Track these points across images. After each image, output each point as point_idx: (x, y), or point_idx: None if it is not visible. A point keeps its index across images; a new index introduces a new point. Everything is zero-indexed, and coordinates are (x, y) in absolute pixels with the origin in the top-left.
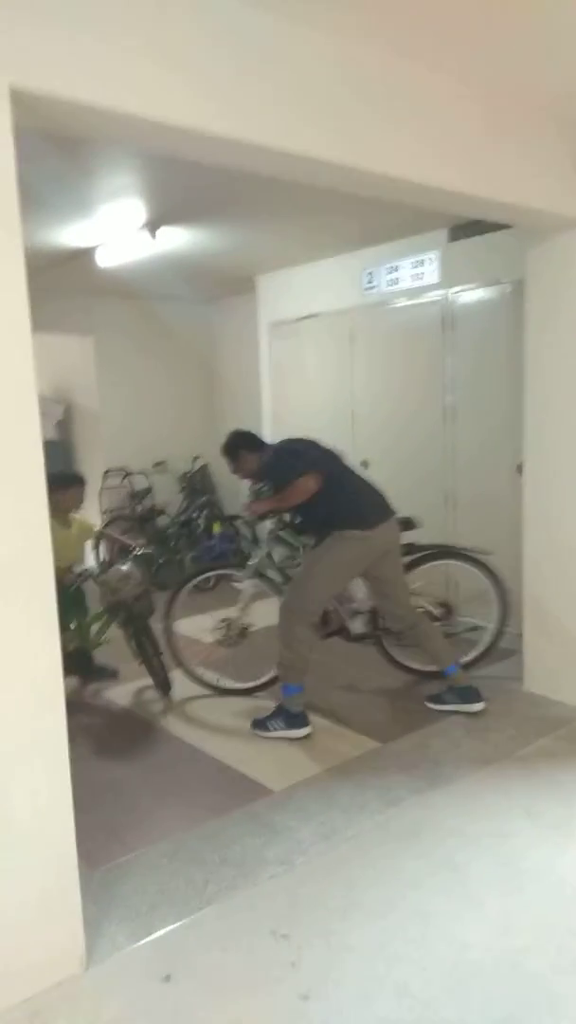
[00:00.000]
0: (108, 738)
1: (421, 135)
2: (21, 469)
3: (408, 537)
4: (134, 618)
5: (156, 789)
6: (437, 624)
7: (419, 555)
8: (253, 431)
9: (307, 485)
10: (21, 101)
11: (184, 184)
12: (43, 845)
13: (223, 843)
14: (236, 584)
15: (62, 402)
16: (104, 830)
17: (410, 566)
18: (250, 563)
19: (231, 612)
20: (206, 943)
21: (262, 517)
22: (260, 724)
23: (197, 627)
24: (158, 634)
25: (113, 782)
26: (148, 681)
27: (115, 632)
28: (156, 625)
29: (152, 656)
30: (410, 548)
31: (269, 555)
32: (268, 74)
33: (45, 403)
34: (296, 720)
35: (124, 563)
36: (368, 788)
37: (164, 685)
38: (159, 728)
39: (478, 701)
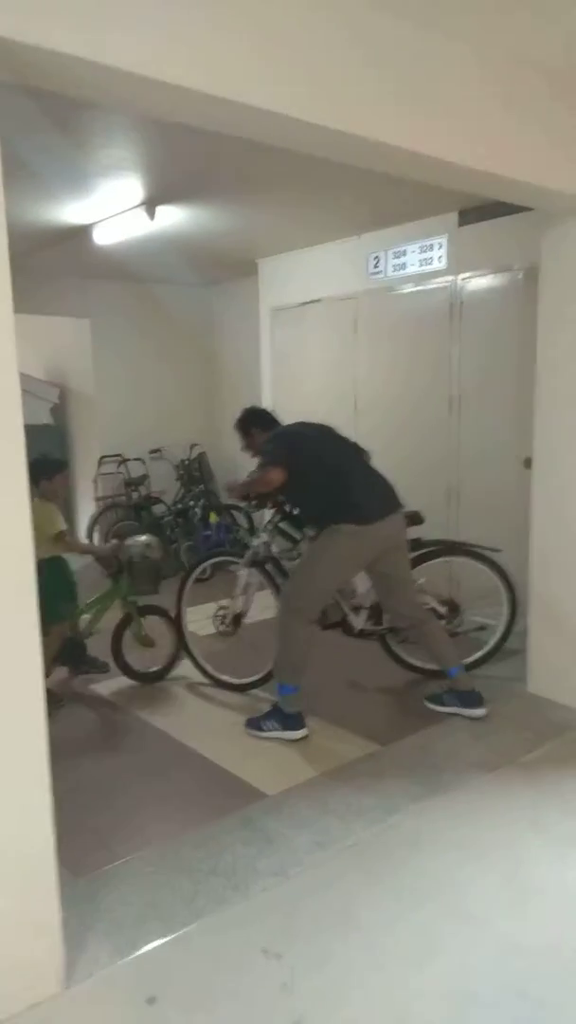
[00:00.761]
0: (96, 734)
1: (432, 106)
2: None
3: (414, 532)
4: (136, 595)
5: (144, 790)
6: (442, 623)
7: (425, 551)
8: (268, 409)
9: (268, 476)
10: None
11: (184, 161)
12: (20, 855)
13: (214, 851)
14: (233, 569)
15: (57, 386)
16: (89, 834)
17: (416, 562)
18: (248, 551)
19: (227, 600)
20: (194, 962)
21: (244, 499)
22: (254, 724)
23: (196, 617)
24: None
25: (100, 781)
26: (150, 668)
27: (104, 624)
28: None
29: (151, 640)
30: (416, 543)
31: (267, 545)
32: (273, 38)
33: (39, 387)
34: (292, 721)
35: (140, 535)
36: (366, 794)
37: (148, 677)
38: (150, 727)
39: (479, 707)
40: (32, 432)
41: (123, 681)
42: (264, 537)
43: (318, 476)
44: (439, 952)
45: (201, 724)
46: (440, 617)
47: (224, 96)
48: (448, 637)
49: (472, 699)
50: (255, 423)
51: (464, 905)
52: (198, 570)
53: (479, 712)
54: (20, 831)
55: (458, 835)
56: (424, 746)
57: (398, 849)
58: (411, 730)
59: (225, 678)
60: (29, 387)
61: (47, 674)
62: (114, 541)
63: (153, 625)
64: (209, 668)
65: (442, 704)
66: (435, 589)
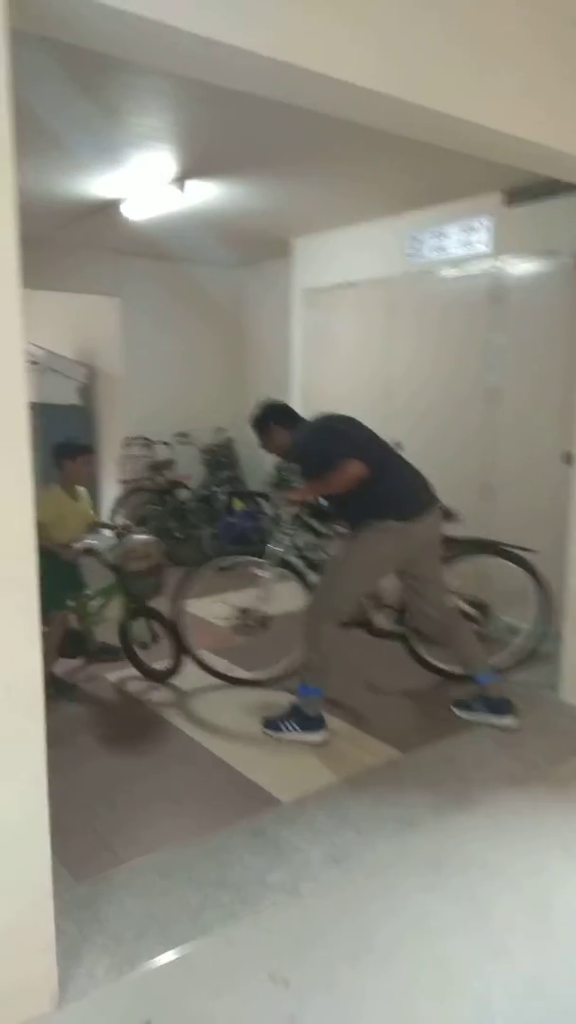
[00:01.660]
0: (106, 729)
1: (486, 73)
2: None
3: (445, 530)
4: (135, 597)
5: (154, 791)
6: (471, 624)
7: (456, 549)
8: (288, 404)
9: (353, 471)
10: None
11: (217, 131)
12: (14, 867)
13: (223, 861)
14: (258, 572)
15: (86, 365)
16: (93, 835)
17: (445, 560)
18: (273, 550)
19: (250, 600)
20: (195, 983)
21: (302, 505)
22: (272, 724)
23: (213, 610)
24: (167, 614)
25: (108, 779)
26: (156, 665)
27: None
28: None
29: (148, 643)
30: (447, 541)
31: (292, 540)
32: None
33: (68, 366)
34: (312, 724)
35: (140, 534)
36: (386, 805)
37: (156, 675)
38: (163, 721)
39: (510, 715)
40: (59, 412)
41: (137, 672)
42: (289, 533)
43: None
44: (457, 985)
45: (217, 721)
46: (469, 619)
47: (272, 56)
48: (477, 641)
49: (502, 707)
50: (275, 419)
51: (486, 933)
52: (203, 568)
53: (510, 721)
54: (13, 837)
55: (483, 855)
56: (449, 755)
57: (418, 867)
58: (435, 737)
59: (240, 673)
60: (58, 366)
61: (49, 664)
62: (88, 542)
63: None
64: (218, 666)
65: (470, 711)
66: (465, 589)
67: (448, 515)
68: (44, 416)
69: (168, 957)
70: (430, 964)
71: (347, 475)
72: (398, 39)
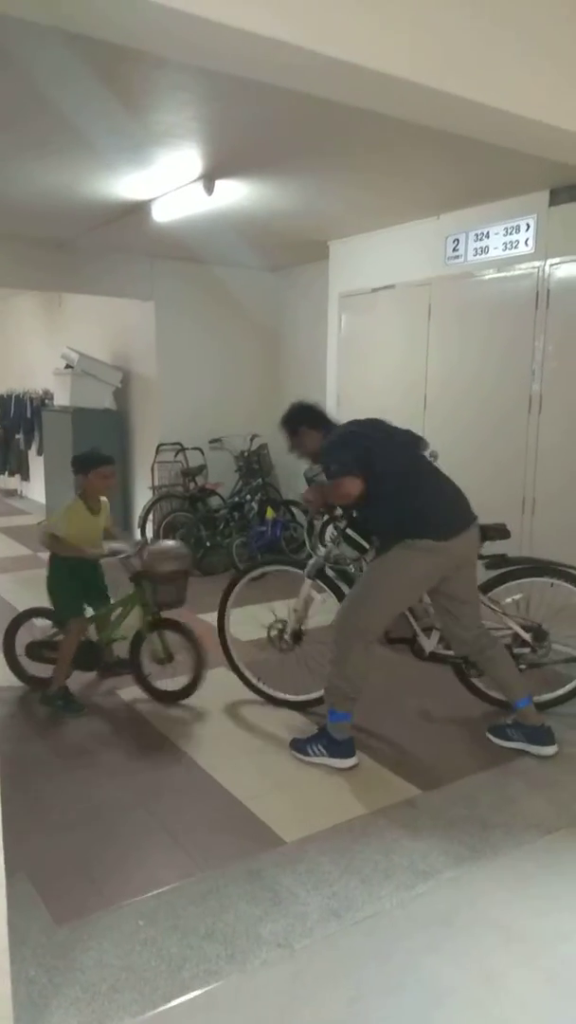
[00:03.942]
0: (113, 750)
1: (529, 61)
2: None
3: (500, 548)
4: (154, 607)
5: (153, 823)
6: (525, 651)
7: (510, 569)
8: (319, 405)
9: (345, 488)
10: None
11: (244, 128)
12: None
13: (213, 908)
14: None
15: (120, 370)
16: (81, 871)
17: (499, 580)
18: (312, 560)
19: (285, 612)
20: None
21: (320, 510)
22: (299, 746)
23: (236, 619)
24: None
25: (106, 806)
26: (172, 682)
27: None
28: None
29: (163, 658)
30: (501, 560)
31: (332, 553)
32: None
33: (104, 370)
34: (341, 748)
35: (169, 539)
36: (397, 852)
37: (164, 696)
38: (173, 745)
39: (549, 744)
40: (93, 416)
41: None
42: (330, 546)
43: (388, 484)
44: None
45: (227, 747)
46: (524, 645)
47: (300, 45)
48: (515, 665)
49: (541, 735)
50: (304, 421)
51: (497, 1012)
52: (247, 577)
53: (549, 750)
54: None
55: (501, 915)
56: (473, 796)
57: (427, 927)
58: (461, 773)
59: (270, 691)
60: (93, 370)
61: (64, 675)
62: (113, 545)
63: (174, 640)
64: (253, 679)
65: (506, 738)
66: (519, 612)
67: (501, 532)
68: (78, 421)
69: (142, 1019)
70: None
71: (342, 491)
72: (433, 26)
